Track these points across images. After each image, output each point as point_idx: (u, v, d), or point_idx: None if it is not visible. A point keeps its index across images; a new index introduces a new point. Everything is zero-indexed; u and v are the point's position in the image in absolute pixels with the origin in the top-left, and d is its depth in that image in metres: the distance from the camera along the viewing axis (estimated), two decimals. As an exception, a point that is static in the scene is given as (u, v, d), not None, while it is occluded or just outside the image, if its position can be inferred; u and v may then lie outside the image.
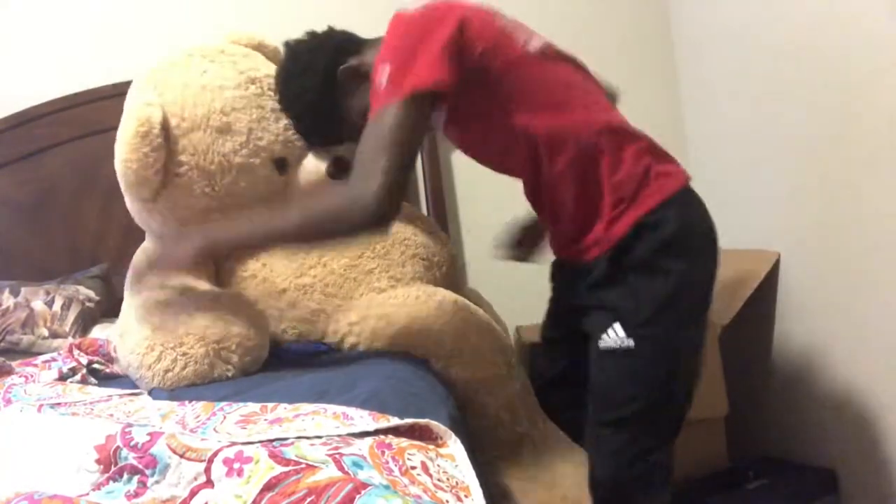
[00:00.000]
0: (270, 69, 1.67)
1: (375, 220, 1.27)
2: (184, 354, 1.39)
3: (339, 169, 1.63)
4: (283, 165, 1.62)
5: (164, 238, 1.54)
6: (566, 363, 1.60)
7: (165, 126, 1.51)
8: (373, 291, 1.55)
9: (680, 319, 1.41)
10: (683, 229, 1.40)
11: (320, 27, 1.57)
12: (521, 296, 1.90)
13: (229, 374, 1.40)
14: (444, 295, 1.53)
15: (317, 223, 1.32)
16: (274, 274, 1.56)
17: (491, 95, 1.38)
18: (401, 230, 1.64)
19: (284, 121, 1.61)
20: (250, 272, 1.58)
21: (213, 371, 1.40)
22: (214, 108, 1.56)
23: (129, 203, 1.64)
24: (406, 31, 1.33)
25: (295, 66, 1.55)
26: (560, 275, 1.60)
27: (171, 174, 1.54)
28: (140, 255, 1.65)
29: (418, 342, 1.47)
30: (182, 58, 1.64)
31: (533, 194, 1.49)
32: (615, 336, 1.39)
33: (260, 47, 1.74)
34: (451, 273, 1.71)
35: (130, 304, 1.56)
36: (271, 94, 1.62)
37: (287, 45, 1.57)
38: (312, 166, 1.63)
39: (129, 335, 1.48)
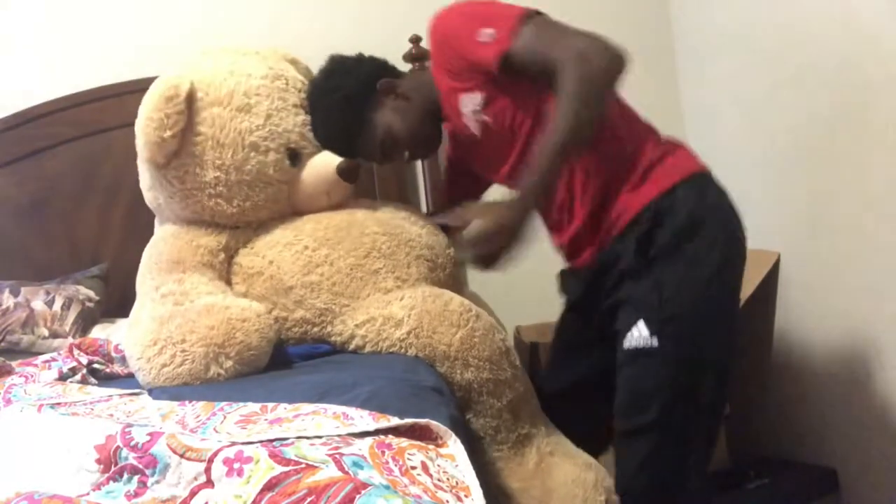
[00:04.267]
0: (299, 76, 1.75)
1: (618, 51, 1.31)
2: (183, 351, 1.40)
3: (350, 168, 1.65)
4: (295, 157, 1.66)
5: (487, 216, 1.36)
6: (574, 379, 1.62)
7: (191, 96, 1.58)
8: (379, 291, 1.55)
9: (708, 314, 1.36)
10: (704, 211, 1.38)
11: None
12: (521, 296, 1.90)
13: (221, 379, 1.40)
14: (451, 297, 1.53)
15: (585, 96, 1.29)
16: (281, 272, 1.56)
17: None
18: (406, 231, 1.64)
19: (304, 117, 1.68)
20: (257, 269, 1.58)
21: (208, 372, 1.40)
22: (238, 89, 1.63)
23: (143, 173, 1.68)
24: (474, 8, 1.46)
25: (338, 66, 1.65)
26: (575, 282, 1.57)
27: (187, 142, 1.59)
28: (151, 249, 1.66)
29: (425, 344, 1.47)
30: (215, 50, 1.74)
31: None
32: (639, 335, 1.36)
33: (293, 62, 1.82)
34: (453, 275, 1.71)
35: (143, 299, 1.58)
36: (296, 91, 1.70)
37: (333, 54, 1.67)
38: (321, 164, 1.66)
39: (136, 326, 1.51)
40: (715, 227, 1.38)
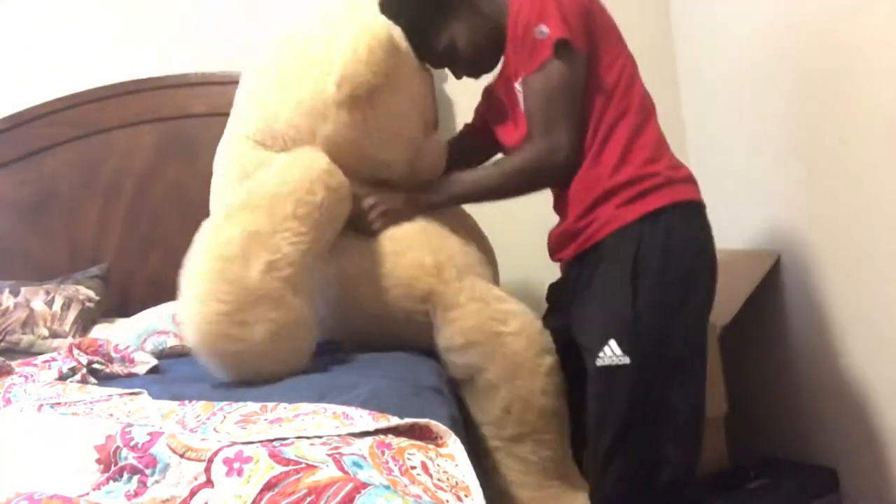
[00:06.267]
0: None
1: (569, 165, 1.47)
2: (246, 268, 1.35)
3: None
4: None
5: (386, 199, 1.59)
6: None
7: (396, 50, 1.54)
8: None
9: (676, 331, 1.41)
10: (682, 241, 1.43)
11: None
12: (520, 296, 1.90)
13: (241, 346, 1.34)
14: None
15: (517, 175, 1.51)
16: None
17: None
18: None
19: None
20: None
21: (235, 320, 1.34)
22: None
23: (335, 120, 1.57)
24: None
25: None
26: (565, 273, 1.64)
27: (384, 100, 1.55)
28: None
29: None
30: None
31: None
32: (611, 353, 1.40)
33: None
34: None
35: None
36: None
37: None
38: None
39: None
40: (689, 258, 1.44)
